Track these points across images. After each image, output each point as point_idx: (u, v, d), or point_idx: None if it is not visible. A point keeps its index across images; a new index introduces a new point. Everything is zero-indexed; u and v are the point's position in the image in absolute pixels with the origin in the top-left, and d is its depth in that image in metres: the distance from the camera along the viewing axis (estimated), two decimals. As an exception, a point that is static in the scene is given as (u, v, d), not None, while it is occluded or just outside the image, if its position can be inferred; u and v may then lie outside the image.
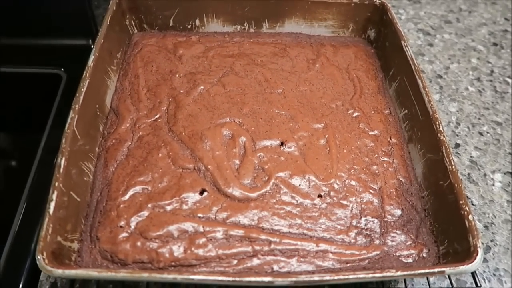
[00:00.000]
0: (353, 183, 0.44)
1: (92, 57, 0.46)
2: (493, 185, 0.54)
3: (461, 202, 0.38)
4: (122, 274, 0.33)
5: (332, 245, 0.39)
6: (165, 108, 0.48)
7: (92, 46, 0.47)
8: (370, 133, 0.48)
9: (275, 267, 0.38)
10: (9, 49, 0.62)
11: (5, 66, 0.60)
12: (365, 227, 0.41)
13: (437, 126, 0.43)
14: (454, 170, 0.40)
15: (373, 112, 0.50)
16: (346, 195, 0.43)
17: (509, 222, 0.50)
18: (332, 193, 0.43)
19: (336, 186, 0.43)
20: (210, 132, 0.46)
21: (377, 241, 0.40)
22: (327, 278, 0.33)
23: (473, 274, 0.43)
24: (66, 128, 0.40)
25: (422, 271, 0.35)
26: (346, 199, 0.43)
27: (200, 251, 0.38)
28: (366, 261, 0.39)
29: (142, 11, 0.56)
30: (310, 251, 0.39)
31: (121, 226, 0.39)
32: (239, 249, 0.38)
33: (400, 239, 0.41)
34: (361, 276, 0.34)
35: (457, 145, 0.58)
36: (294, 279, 0.33)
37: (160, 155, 0.44)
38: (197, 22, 0.58)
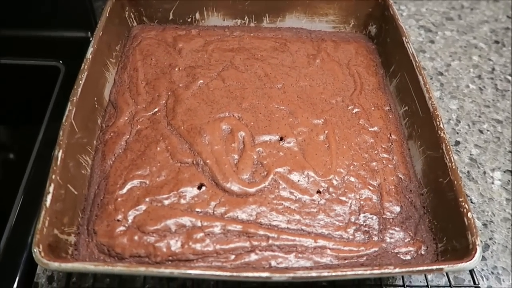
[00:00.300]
0: (352, 179, 0.44)
1: (90, 50, 0.45)
2: (493, 183, 0.54)
3: (460, 199, 0.38)
4: (119, 268, 0.33)
5: (330, 241, 0.39)
6: (164, 101, 0.48)
7: (91, 39, 0.47)
8: (370, 129, 0.48)
9: (273, 263, 0.38)
10: (7, 41, 0.62)
11: (3, 58, 0.60)
12: (364, 224, 0.41)
13: (438, 123, 0.43)
14: (454, 167, 0.40)
15: (373, 108, 0.50)
16: (345, 191, 0.43)
17: (508, 221, 0.50)
18: (331, 189, 0.43)
19: (335, 182, 0.43)
20: (209, 127, 0.46)
21: (375, 238, 0.40)
22: (325, 274, 0.33)
23: (471, 272, 0.43)
24: (63, 120, 0.39)
25: (420, 268, 0.35)
26: (345, 196, 0.43)
27: (198, 246, 0.38)
28: (364, 258, 0.39)
29: (142, 3, 0.56)
30: (308, 247, 0.39)
31: (118, 220, 0.39)
32: (237, 244, 0.38)
33: (398, 236, 0.41)
34: (359, 272, 0.33)
35: (457, 143, 0.58)
36: (291, 275, 0.33)
37: (158, 149, 0.44)
38: (197, 15, 0.57)
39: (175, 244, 0.38)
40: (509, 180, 0.54)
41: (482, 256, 0.46)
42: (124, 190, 0.41)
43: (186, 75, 0.51)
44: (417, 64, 0.48)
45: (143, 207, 0.40)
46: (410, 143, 0.48)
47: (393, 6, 0.55)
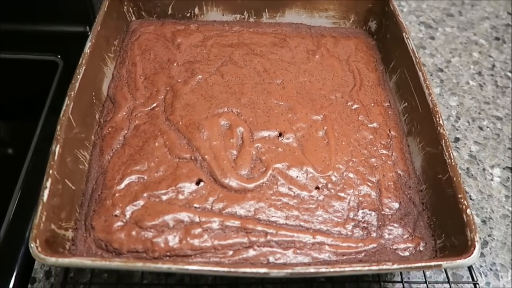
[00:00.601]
0: (351, 175, 0.44)
1: (88, 44, 0.45)
2: (492, 180, 0.53)
3: (459, 196, 0.38)
4: (116, 263, 0.33)
5: (328, 237, 0.39)
6: (162, 97, 0.48)
7: (89, 33, 0.47)
8: (369, 125, 0.48)
9: (271, 259, 0.38)
10: (5, 35, 0.62)
11: (1, 52, 0.60)
12: (362, 220, 0.41)
13: (437, 119, 0.43)
14: (453, 164, 0.40)
15: (372, 104, 0.50)
16: (343, 188, 0.43)
17: (507, 217, 0.50)
18: (329, 185, 0.43)
19: (334, 178, 0.43)
20: (208, 122, 0.45)
21: (374, 234, 0.40)
22: (323, 270, 0.33)
23: (470, 268, 0.43)
24: (61, 115, 0.39)
25: (419, 264, 0.35)
26: (343, 192, 0.42)
27: (196, 242, 0.38)
28: (363, 254, 0.39)
29: (141, -2, 0.56)
30: (307, 243, 0.39)
31: (116, 215, 0.39)
32: (235, 240, 0.38)
33: (397, 232, 0.41)
34: (357, 268, 0.33)
35: (457, 139, 0.57)
36: (289, 270, 0.33)
37: (156, 144, 0.43)
38: (196, 10, 0.57)
39: (173, 240, 0.38)
40: (508, 177, 0.54)
41: (481, 252, 0.46)
42: (122, 185, 0.40)
43: (185, 70, 0.50)
44: (417, 60, 0.48)
45: (141, 202, 0.40)
46: (410, 139, 0.48)
47: (394, 2, 0.54)
